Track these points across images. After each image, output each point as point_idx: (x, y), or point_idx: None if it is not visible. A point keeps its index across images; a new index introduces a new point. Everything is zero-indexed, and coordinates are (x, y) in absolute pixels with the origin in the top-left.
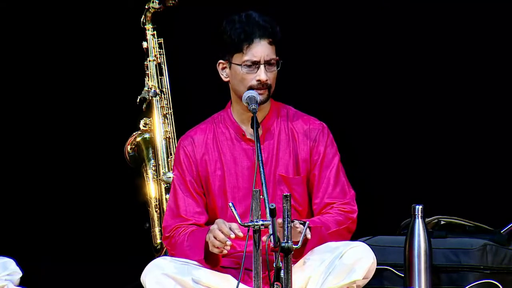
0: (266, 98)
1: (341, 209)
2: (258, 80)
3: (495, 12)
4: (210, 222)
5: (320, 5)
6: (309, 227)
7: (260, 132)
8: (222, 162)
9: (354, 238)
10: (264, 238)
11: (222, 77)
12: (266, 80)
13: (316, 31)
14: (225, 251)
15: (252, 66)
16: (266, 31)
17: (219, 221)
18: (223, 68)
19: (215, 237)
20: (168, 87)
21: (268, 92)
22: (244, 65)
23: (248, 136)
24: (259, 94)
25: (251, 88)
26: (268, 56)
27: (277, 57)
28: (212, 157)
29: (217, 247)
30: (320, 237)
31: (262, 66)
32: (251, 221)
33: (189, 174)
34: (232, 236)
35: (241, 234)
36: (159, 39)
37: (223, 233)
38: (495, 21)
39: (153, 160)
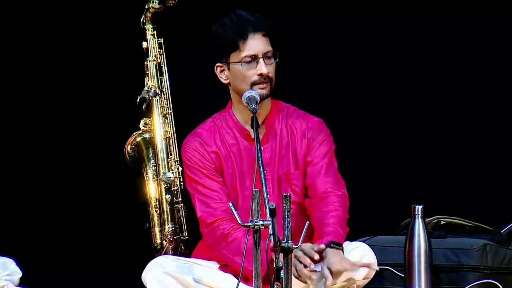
0: (269, 92)
1: (339, 196)
2: (260, 74)
3: (493, 14)
4: None
5: (320, 6)
6: (338, 248)
7: (263, 131)
8: (232, 160)
9: (354, 238)
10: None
11: (222, 80)
12: (268, 73)
13: (315, 32)
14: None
15: (252, 61)
16: (258, 24)
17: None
18: (222, 71)
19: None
20: (168, 87)
21: (270, 86)
22: (243, 62)
23: (253, 136)
24: (262, 88)
25: (254, 83)
26: (265, 49)
27: (273, 49)
28: (223, 154)
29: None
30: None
31: (261, 60)
32: (251, 221)
33: (205, 167)
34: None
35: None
36: (159, 39)
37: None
38: (494, 24)
39: (153, 160)
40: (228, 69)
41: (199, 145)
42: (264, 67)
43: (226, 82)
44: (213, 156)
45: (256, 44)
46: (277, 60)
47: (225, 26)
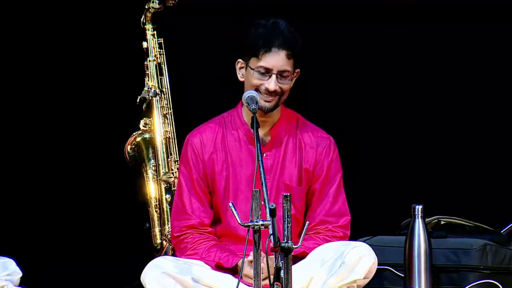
0: (274, 106)
1: (335, 235)
2: (266, 89)
3: (490, 21)
4: (214, 219)
5: (329, 20)
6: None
7: (269, 138)
8: (228, 162)
9: (354, 238)
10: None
11: (239, 76)
12: (274, 91)
13: (320, 43)
14: None
15: (265, 74)
16: (286, 42)
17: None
18: (241, 68)
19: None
20: (168, 87)
21: (277, 101)
22: (256, 71)
23: None
24: (266, 101)
25: (259, 93)
26: (282, 67)
27: (293, 71)
28: (219, 157)
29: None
30: None
31: (273, 76)
32: (251, 221)
33: (196, 172)
34: None
35: None
36: (159, 39)
37: None
38: (493, 29)
39: (153, 160)
40: (246, 69)
41: (198, 146)
42: (272, 84)
43: (242, 79)
44: (207, 159)
45: (276, 59)
46: (293, 80)
47: (257, 29)
